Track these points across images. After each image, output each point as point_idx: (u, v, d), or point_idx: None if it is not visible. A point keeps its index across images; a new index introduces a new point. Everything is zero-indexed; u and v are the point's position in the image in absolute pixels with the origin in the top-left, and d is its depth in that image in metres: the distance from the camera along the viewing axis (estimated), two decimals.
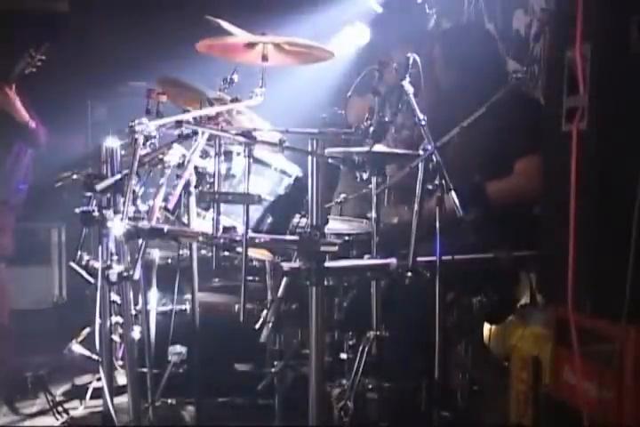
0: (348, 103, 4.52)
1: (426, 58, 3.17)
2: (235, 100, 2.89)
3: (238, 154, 2.78)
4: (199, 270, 3.19)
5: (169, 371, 3.31)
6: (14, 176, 4.44)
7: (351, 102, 4.48)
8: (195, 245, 3.09)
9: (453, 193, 2.56)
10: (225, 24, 3.16)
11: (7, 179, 4.42)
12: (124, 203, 2.45)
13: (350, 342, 3.09)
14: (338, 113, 4.50)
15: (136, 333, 3.18)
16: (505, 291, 3.04)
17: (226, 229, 2.42)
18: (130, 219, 2.42)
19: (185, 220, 2.71)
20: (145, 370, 3.10)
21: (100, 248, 2.76)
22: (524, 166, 3.04)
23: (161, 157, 2.65)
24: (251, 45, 2.97)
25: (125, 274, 2.64)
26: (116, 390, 2.96)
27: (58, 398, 3.64)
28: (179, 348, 3.34)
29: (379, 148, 2.89)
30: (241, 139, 2.37)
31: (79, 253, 3.03)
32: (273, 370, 3.20)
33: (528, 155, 3.02)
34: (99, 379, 3.54)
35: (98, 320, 2.81)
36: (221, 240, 2.37)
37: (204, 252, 3.43)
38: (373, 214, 2.89)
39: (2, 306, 4.49)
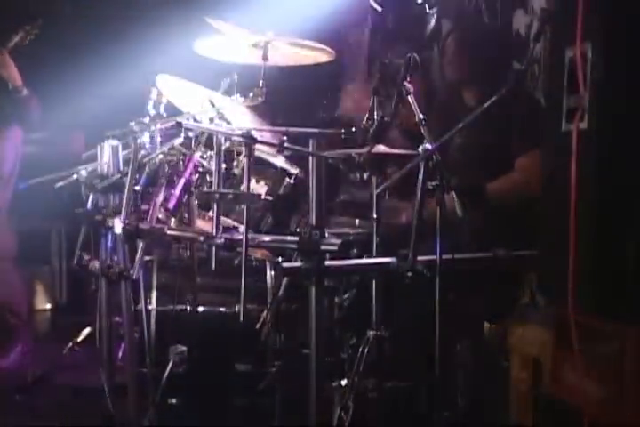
0: (343, 99, 4.55)
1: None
2: (235, 100, 2.89)
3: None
4: (199, 270, 3.19)
5: (169, 371, 3.30)
6: (5, 162, 4.35)
7: (346, 97, 4.50)
8: (195, 245, 3.10)
9: (454, 193, 2.56)
10: (227, 25, 3.16)
11: None
12: (124, 203, 2.46)
13: (350, 342, 3.09)
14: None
15: (136, 333, 3.19)
16: (505, 291, 3.04)
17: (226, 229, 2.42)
18: (130, 219, 2.42)
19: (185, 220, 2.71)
20: (145, 370, 3.10)
21: (100, 248, 2.76)
22: (524, 163, 3.05)
23: (161, 156, 2.65)
24: (251, 45, 2.98)
25: (125, 274, 2.65)
26: (116, 391, 2.96)
27: (58, 398, 3.64)
28: (179, 348, 3.34)
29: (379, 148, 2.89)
30: (241, 139, 2.38)
31: (79, 253, 3.03)
32: (273, 370, 3.20)
33: (528, 151, 3.02)
34: (99, 379, 3.54)
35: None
36: (222, 240, 2.38)
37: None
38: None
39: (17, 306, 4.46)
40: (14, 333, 4.34)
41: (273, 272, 3.38)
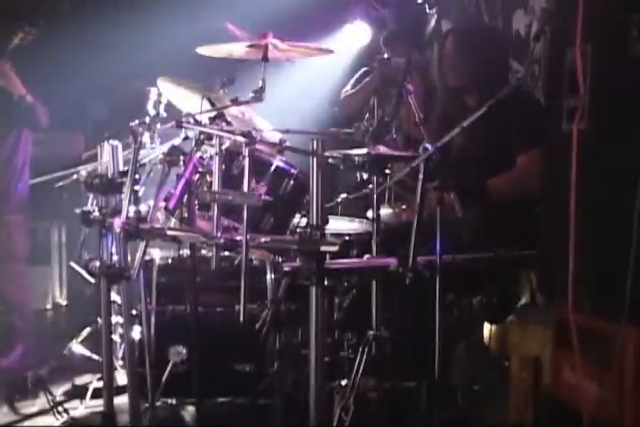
0: (343, 98, 4.56)
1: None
2: (235, 100, 2.89)
3: None
4: (199, 270, 3.19)
5: (169, 371, 3.31)
6: (11, 166, 4.33)
7: (346, 96, 4.50)
8: (195, 245, 3.09)
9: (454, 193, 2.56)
10: (231, 27, 3.16)
11: (5, 168, 4.30)
12: (124, 203, 2.45)
13: (350, 342, 3.09)
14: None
15: (136, 333, 3.19)
16: (505, 291, 3.04)
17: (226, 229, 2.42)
18: (130, 219, 2.42)
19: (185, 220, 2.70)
20: (145, 370, 3.10)
21: (100, 248, 2.76)
22: (526, 160, 3.06)
23: (161, 156, 2.65)
24: (252, 45, 2.98)
25: (125, 274, 2.65)
26: (116, 390, 2.96)
27: (58, 398, 3.64)
28: (179, 348, 3.34)
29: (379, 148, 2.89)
30: (241, 139, 2.37)
31: (79, 252, 3.03)
32: (273, 370, 3.20)
33: (530, 149, 3.03)
34: (99, 379, 3.55)
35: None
36: (222, 240, 2.37)
37: (204, 252, 3.44)
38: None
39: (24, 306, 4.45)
40: (16, 333, 4.34)
41: (273, 272, 3.39)
